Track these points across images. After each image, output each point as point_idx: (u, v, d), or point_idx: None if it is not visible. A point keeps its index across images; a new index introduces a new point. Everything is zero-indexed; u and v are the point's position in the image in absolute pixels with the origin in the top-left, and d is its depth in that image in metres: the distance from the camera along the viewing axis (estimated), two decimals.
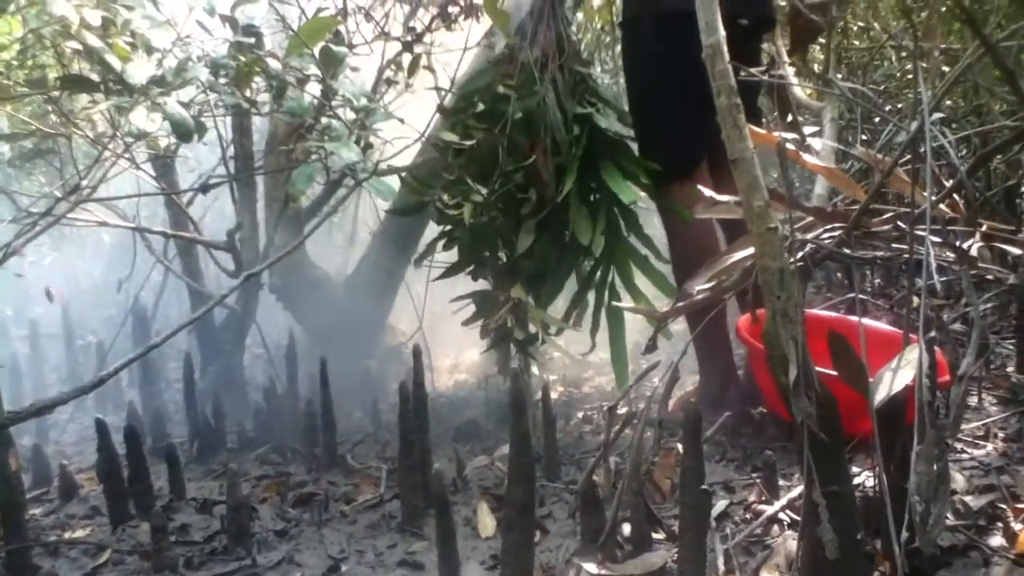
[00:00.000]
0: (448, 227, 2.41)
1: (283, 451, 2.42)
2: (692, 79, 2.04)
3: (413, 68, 2.60)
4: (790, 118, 2.04)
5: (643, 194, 2.33)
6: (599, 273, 2.39)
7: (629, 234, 2.35)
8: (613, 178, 2.23)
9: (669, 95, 2.17)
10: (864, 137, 3.19)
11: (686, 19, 2.00)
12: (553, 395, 2.52)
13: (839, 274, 3.32)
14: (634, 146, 2.31)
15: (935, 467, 1.04)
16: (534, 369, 2.45)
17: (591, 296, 2.42)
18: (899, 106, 3.46)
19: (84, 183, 2.23)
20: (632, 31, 2.27)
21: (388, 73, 2.72)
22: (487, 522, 1.80)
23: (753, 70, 1.56)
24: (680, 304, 1.52)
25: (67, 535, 1.95)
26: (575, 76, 2.30)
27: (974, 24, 1.03)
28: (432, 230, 2.65)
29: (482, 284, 2.51)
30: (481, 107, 2.32)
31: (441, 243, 2.45)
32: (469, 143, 2.27)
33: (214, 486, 2.19)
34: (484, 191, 2.21)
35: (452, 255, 2.50)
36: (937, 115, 1.37)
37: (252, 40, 2.08)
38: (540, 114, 2.21)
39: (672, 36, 2.08)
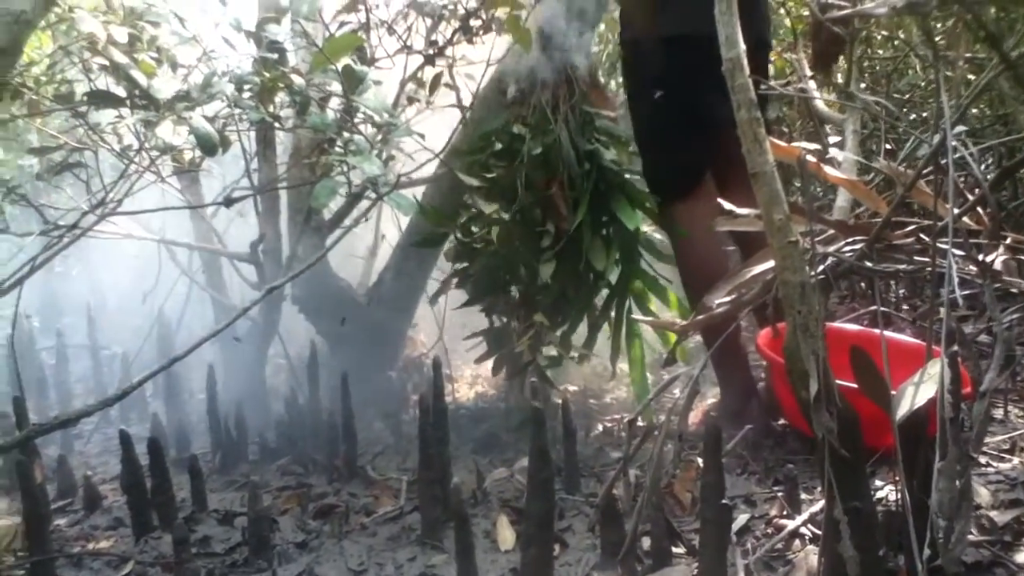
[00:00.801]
0: (463, 264, 2.51)
1: (304, 462, 2.43)
2: (687, 98, 2.09)
3: (435, 85, 2.62)
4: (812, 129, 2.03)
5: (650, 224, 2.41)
6: (616, 300, 2.47)
7: (640, 259, 2.43)
8: (622, 208, 2.34)
9: (666, 114, 2.18)
10: (888, 147, 3.17)
11: (678, 43, 2.04)
12: (573, 407, 2.52)
13: (863, 284, 3.30)
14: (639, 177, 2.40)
15: (957, 484, 1.03)
16: (555, 398, 2.51)
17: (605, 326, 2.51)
18: (924, 115, 3.43)
19: (110, 196, 2.26)
20: (628, 52, 2.30)
21: (410, 87, 2.73)
22: (506, 535, 1.80)
23: (772, 83, 1.56)
24: (700, 317, 1.51)
25: (91, 546, 1.97)
26: (584, 116, 2.41)
27: (995, 42, 1.02)
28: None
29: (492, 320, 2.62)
30: (499, 146, 2.43)
31: (455, 280, 2.57)
32: (490, 176, 2.38)
33: (235, 497, 2.20)
34: (507, 216, 2.30)
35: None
36: (960, 128, 1.36)
37: (276, 56, 2.10)
38: (555, 151, 2.32)
39: (665, 58, 2.10)
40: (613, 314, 2.48)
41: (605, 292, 2.49)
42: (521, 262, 2.38)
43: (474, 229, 2.45)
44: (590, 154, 2.35)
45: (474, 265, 2.47)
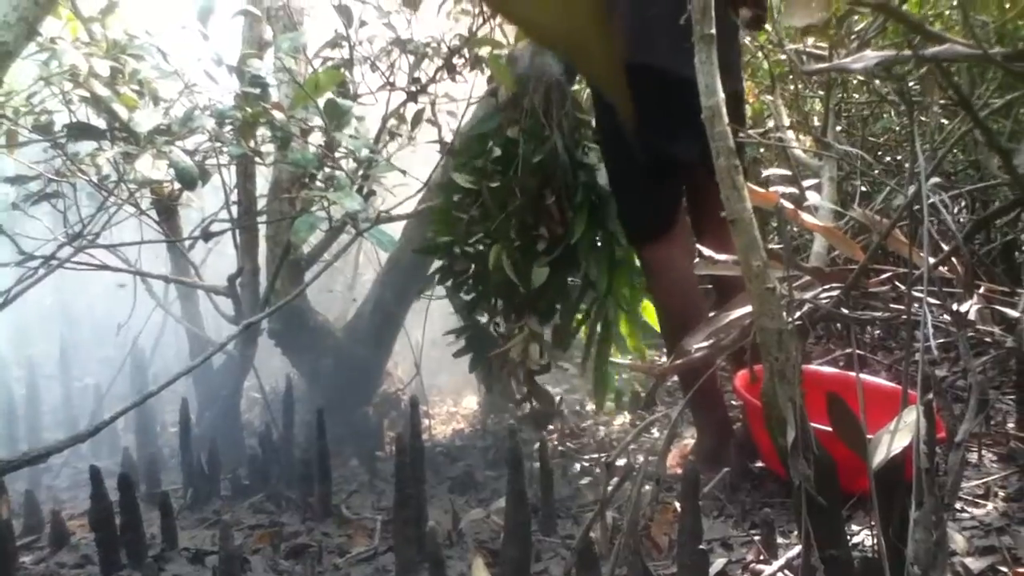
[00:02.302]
0: (446, 262, 2.55)
1: (277, 500, 2.40)
2: (659, 141, 2.09)
3: (416, 121, 2.63)
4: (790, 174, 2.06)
5: None
6: (599, 305, 2.53)
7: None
8: (579, 213, 2.38)
9: (638, 157, 2.18)
10: (864, 188, 3.21)
11: (648, 84, 2.05)
12: (549, 446, 2.50)
13: (838, 326, 3.32)
14: None
15: (933, 534, 1.03)
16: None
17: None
18: (899, 158, 3.48)
19: (88, 228, 2.25)
20: (598, 95, 2.29)
21: (392, 123, 2.74)
22: None
23: (751, 132, 1.58)
24: (679, 361, 1.52)
25: None
26: (576, 122, 2.42)
27: (967, 105, 1.04)
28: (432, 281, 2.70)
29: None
30: (497, 152, 2.44)
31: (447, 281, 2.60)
32: (487, 185, 2.39)
33: (207, 535, 2.16)
34: (513, 236, 2.36)
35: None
36: (934, 180, 1.38)
37: (258, 91, 2.10)
38: (550, 158, 2.34)
39: (635, 100, 2.10)
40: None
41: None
42: (517, 271, 2.39)
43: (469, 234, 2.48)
44: (582, 164, 2.40)
45: (460, 262, 2.51)
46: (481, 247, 2.46)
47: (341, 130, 2.08)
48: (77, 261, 2.34)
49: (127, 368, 3.34)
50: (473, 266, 2.51)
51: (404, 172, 2.29)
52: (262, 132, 2.18)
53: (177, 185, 2.47)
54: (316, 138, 2.20)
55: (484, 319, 2.61)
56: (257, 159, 2.23)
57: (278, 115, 2.03)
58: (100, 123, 2.21)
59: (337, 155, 2.13)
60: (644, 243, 2.24)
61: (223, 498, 2.47)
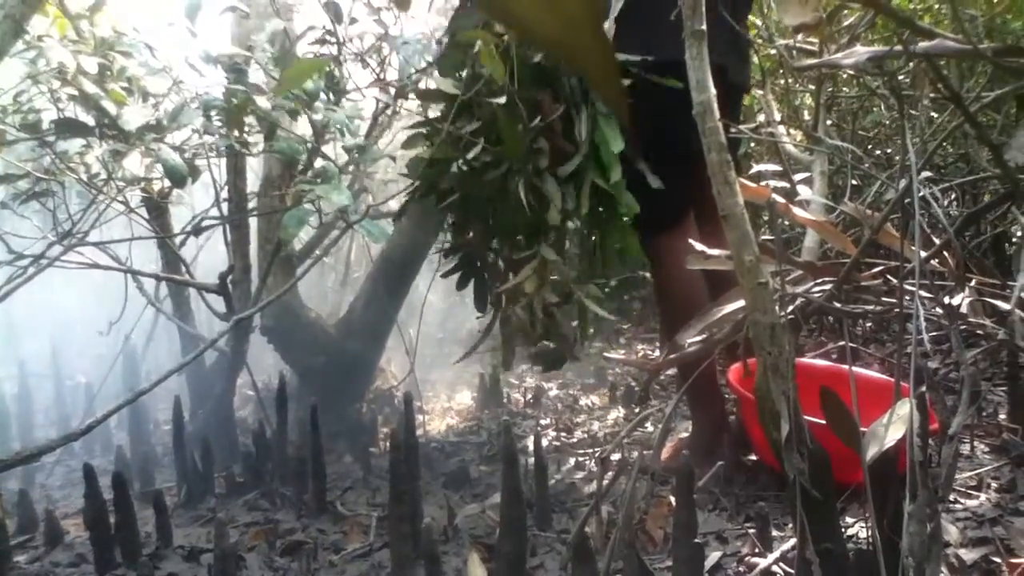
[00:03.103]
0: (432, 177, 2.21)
1: (272, 497, 2.40)
2: (670, 131, 2.06)
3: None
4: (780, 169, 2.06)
5: None
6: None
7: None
8: (607, 123, 2.09)
9: (650, 148, 2.14)
10: (855, 182, 3.22)
11: (659, 74, 2.03)
12: (544, 441, 2.50)
13: (830, 319, 3.34)
14: None
15: (927, 526, 1.04)
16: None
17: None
18: (888, 151, 3.50)
19: (77, 227, 2.24)
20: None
21: (383, 119, 2.73)
22: (478, 573, 1.77)
23: (742, 127, 1.58)
24: (672, 356, 1.52)
25: None
26: None
27: (958, 100, 1.04)
28: (425, 276, 2.67)
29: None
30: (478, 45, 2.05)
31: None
32: (484, 100, 2.05)
33: (201, 533, 2.16)
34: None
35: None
36: (925, 173, 1.39)
37: (242, 88, 2.09)
38: (550, 56, 2.03)
39: (646, 90, 2.08)
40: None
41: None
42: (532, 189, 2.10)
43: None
44: None
45: (445, 181, 2.17)
46: (476, 165, 2.13)
47: (327, 115, 2.05)
48: (67, 259, 2.33)
49: (119, 366, 3.33)
50: (459, 185, 2.18)
51: (394, 158, 2.26)
52: (250, 123, 2.16)
53: (167, 182, 2.46)
54: (305, 128, 2.18)
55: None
56: (244, 150, 2.22)
57: (262, 101, 2.02)
58: (88, 120, 2.20)
59: (328, 136, 2.11)
60: (653, 236, 2.21)
61: (217, 496, 2.47)
